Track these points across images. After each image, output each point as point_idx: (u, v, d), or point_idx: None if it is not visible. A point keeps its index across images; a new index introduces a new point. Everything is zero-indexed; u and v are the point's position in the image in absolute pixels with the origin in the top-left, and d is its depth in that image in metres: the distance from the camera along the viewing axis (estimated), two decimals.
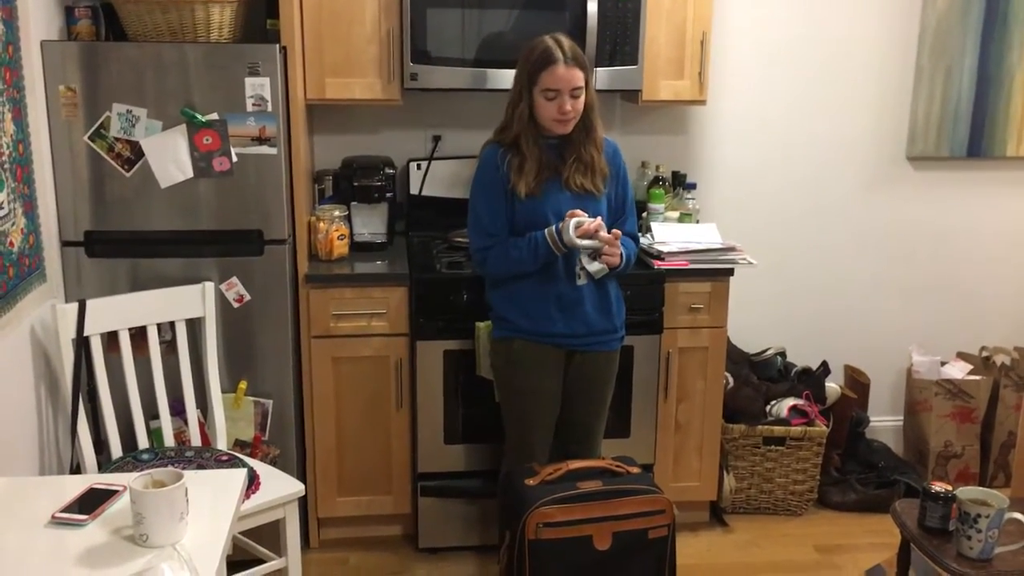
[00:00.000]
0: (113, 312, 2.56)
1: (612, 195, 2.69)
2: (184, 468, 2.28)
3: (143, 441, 2.62)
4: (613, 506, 2.52)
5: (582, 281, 2.61)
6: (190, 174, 2.73)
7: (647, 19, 3.07)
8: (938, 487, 2.27)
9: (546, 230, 2.54)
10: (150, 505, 1.61)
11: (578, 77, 2.50)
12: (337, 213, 3.10)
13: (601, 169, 2.62)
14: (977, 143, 3.70)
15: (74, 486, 1.85)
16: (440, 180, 3.41)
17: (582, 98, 2.53)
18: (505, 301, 2.70)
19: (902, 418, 3.88)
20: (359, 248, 3.21)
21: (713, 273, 3.11)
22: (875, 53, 3.62)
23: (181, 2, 2.67)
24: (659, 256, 3.09)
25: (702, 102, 3.27)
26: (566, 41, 2.53)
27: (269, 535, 2.63)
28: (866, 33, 3.60)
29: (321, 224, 3.06)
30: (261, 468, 2.64)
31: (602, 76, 3.00)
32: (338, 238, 3.07)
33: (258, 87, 2.71)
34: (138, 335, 2.61)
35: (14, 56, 2.38)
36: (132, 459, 2.52)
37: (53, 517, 1.73)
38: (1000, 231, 3.82)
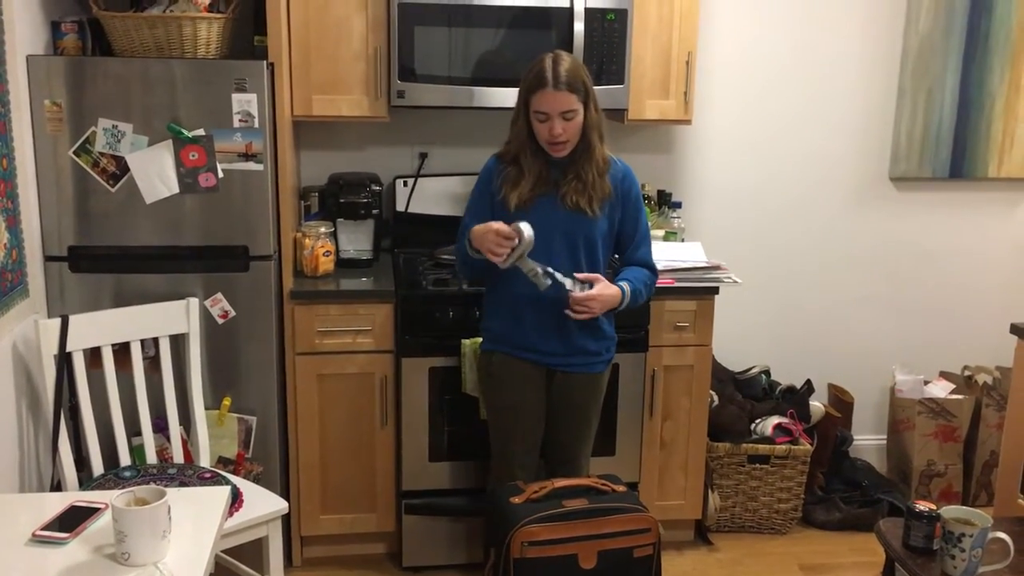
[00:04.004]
0: (96, 328, 2.54)
1: (620, 219, 2.65)
2: (167, 485, 2.24)
3: (125, 458, 2.60)
4: (598, 524, 2.51)
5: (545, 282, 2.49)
6: (176, 190, 2.72)
7: (633, 39, 3.09)
8: (922, 506, 2.26)
9: (466, 240, 2.57)
10: (132, 523, 1.60)
11: (568, 101, 2.45)
12: (323, 229, 3.10)
13: (601, 190, 2.58)
14: (959, 164, 3.74)
15: (55, 503, 1.83)
16: (426, 197, 3.41)
17: (576, 120, 2.49)
18: (493, 308, 2.71)
19: (885, 437, 3.90)
20: (345, 265, 3.21)
21: (698, 291, 3.12)
22: (858, 74, 3.66)
23: (168, 18, 2.68)
24: None
25: (687, 121, 3.29)
26: (564, 62, 2.47)
27: (252, 553, 2.60)
28: (849, 54, 3.63)
29: (307, 240, 3.06)
30: (244, 485, 2.62)
31: None
32: (324, 254, 3.07)
33: (245, 103, 2.71)
34: (121, 351, 2.60)
35: None
36: (114, 476, 2.50)
37: (34, 535, 1.71)
38: (982, 251, 3.86)
